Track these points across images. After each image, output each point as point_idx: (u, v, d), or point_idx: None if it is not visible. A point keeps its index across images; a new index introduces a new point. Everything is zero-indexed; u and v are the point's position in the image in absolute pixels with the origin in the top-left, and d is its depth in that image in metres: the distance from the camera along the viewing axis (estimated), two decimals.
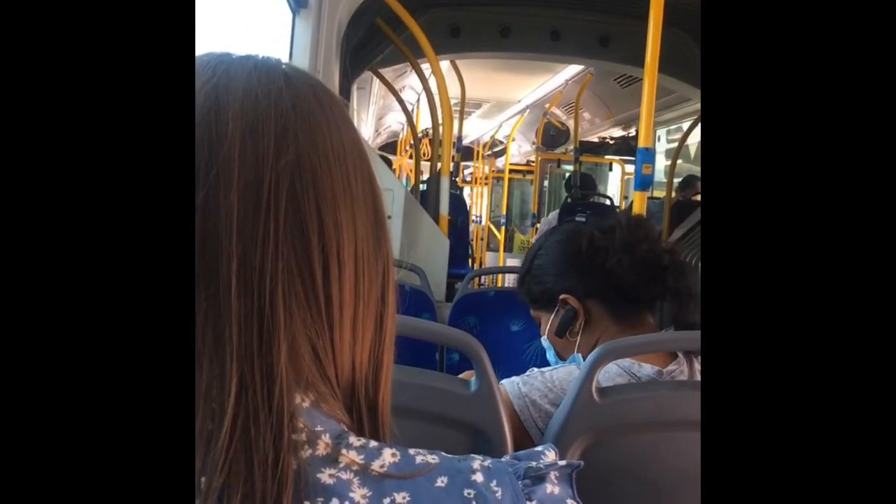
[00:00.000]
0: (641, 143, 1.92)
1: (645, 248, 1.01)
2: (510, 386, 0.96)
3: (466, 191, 8.81)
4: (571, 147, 6.29)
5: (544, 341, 1.10)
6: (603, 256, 1.02)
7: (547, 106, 6.30)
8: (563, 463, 0.41)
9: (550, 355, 1.11)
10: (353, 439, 0.38)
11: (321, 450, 0.37)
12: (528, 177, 8.12)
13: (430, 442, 0.91)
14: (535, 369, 0.99)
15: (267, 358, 0.37)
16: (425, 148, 5.77)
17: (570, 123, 6.33)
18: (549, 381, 0.96)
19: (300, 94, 0.41)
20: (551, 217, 5.03)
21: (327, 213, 0.40)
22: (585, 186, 5.25)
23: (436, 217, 2.79)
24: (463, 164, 8.81)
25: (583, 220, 1.12)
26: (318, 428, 0.37)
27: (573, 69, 5.19)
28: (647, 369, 0.97)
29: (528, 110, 6.94)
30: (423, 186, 3.54)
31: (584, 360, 1.05)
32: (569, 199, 4.94)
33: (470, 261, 4.59)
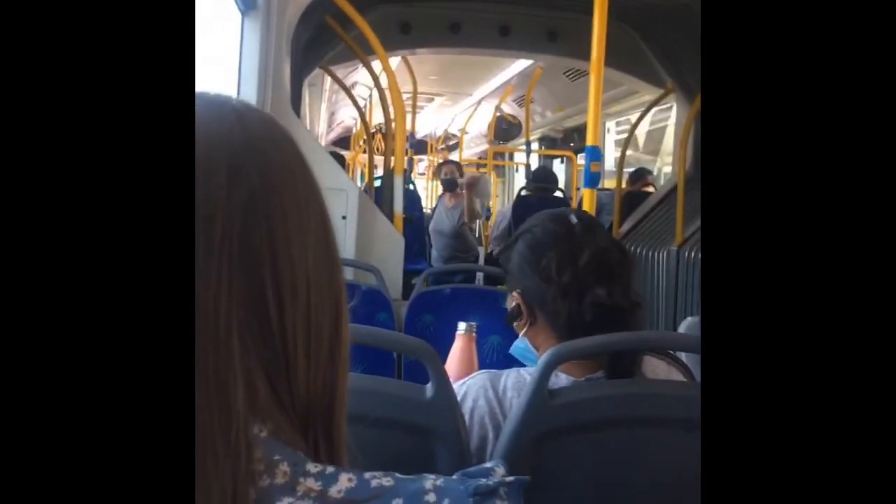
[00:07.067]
0: (589, 141, 1.94)
1: (591, 300, 0.99)
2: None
3: (421, 184, 8.81)
4: (523, 140, 6.34)
5: None
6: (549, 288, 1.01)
7: (499, 99, 6.34)
8: (511, 479, 0.43)
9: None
10: (310, 466, 0.39)
11: (279, 478, 0.38)
12: (482, 170, 8.15)
13: (388, 449, 0.92)
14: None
15: (223, 391, 0.38)
16: (379, 143, 5.75)
17: (522, 116, 6.38)
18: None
19: (252, 131, 0.42)
20: (505, 210, 5.05)
21: (280, 247, 0.41)
22: (543, 180, 5.03)
23: (390, 216, 2.80)
24: (417, 157, 8.79)
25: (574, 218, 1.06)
26: (276, 457, 0.38)
27: (523, 63, 5.23)
28: (563, 380, 0.98)
29: (480, 104, 6.98)
30: (377, 182, 3.54)
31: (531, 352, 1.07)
32: (522, 192, 4.95)
33: (428, 255, 4.58)
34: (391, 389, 0.89)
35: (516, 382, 1.00)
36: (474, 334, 1.29)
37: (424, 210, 5.37)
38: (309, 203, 0.44)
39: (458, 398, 0.94)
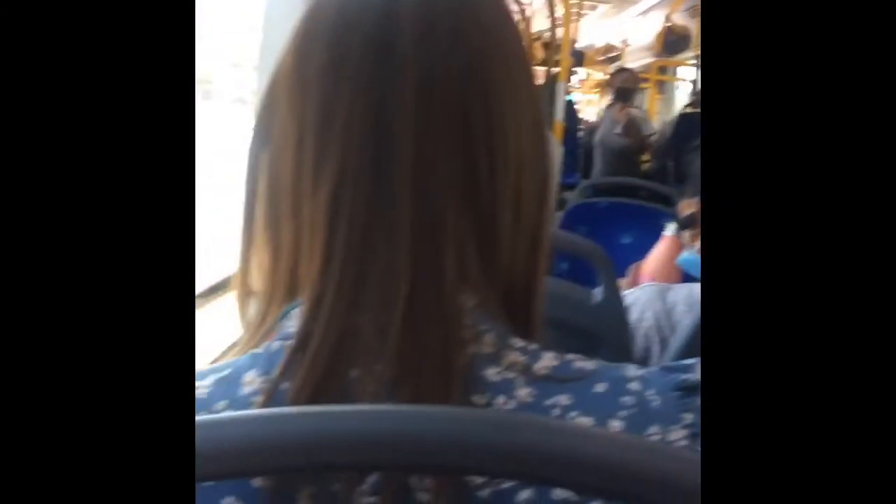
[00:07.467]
0: None
1: None
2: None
3: (576, 98, 8.54)
4: (693, 54, 5.92)
5: None
6: None
7: (669, 9, 5.92)
8: None
9: None
10: (515, 340, 0.39)
11: (486, 348, 0.38)
12: (645, 85, 7.75)
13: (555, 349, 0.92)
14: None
15: (436, 257, 0.38)
16: (538, 51, 5.58)
17: (694, 28, 5.94)
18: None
19: None
20: (668, 125, 4.78)
21: (495, 117, 0.40)
22: None
23: (550, 123, 2.74)
24: (574, 69, 8.46)
25: None
26: (483, 327, 0.38)
27: None
28: None
29: (648, 13, 6.56)
30: None
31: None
32: (687, 109, 4.65)
33: (583, 169, 4.44)
34: (560, 289, 0.88)
35: (687, 297, 0.96)
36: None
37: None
38: (525, 79, 0.42)
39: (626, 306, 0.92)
